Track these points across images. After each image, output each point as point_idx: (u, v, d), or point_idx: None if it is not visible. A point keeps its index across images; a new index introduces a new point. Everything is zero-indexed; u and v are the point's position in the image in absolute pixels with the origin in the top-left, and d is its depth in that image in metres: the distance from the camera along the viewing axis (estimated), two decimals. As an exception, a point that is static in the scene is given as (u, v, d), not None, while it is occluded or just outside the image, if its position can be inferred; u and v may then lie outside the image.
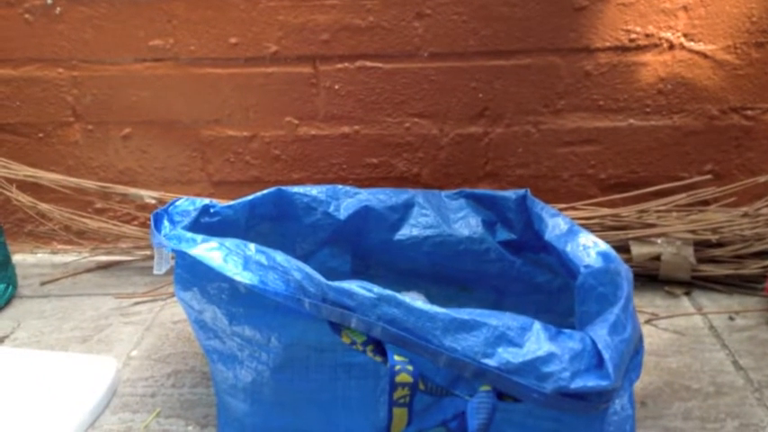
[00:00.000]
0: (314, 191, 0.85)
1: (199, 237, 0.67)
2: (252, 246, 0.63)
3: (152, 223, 0.73)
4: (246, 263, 0.62)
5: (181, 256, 0.70)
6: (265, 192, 0.83)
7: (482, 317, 0.54)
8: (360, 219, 0.85)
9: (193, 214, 0.77)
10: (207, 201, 0.80)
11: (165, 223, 0.74)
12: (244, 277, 0.60)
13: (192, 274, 0.68)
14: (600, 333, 0.54)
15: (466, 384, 0.56)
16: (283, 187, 0.84)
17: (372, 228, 0.86)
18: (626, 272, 0.65)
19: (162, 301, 0.99)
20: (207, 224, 0.79)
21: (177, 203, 0.77)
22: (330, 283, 0.58)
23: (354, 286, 0.57)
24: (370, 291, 0.56)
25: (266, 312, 0.62)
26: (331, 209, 0.85)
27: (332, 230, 0.85)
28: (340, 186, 0.86)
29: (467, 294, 0.88)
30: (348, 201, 0.85)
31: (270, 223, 0.85)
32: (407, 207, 0.86)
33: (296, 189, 0.85)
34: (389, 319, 0.55)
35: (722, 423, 0.73)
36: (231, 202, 0.81)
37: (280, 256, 0.61)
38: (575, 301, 0.68)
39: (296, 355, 0.63)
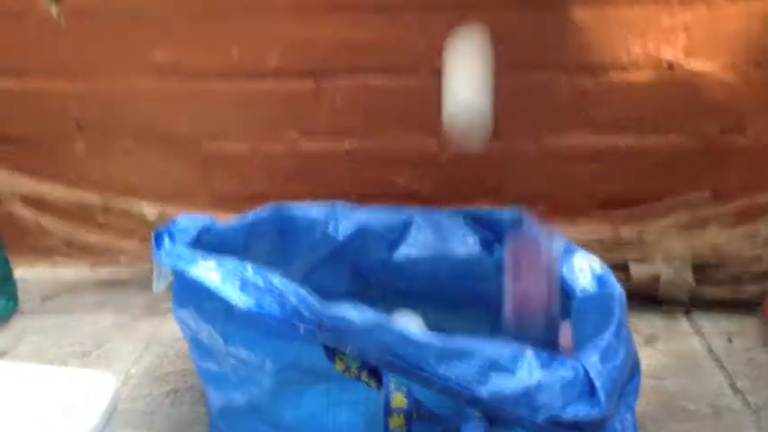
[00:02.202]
0: (313, 210, 0.86)
1: (198, 255, 0.67)
2: (249, 267, 0.64)
3: (153, 240, 0.73)
4: (244, 284, 0.62)
5: (179, 275, 0.70)
6: (265, 210, 0.84)
7: (475, 345, 0.55)
8: (358, 239, 0.85)
9: (194, 232, 0.77)
10: (207, 219, 0.80)
11: (166, 240, 0.74)
12: (240, 299, 0.61)
13: (190, 293, 0.68)
14: (592, 360, 0.55)
15: (459, 411, 0.57)
16: (283, 205, 0.85)
17: (370, 248, 0.86)
18: (619, 296, 0.65)
19: (162, 318, 0.99)
20: (207, 242, 0.79)
21: (178, 221, 0.78)
22: (325, 307, 0.58)
23: (350, 312, 0.57)
24: (365, 317, 0.57)
25: (261, 335, 0.63)
26: (329, 229, 0.85)
27: (330, 250, 0.86)
28: (339, 205, 0.87)
29: (465, 313, 0.88)
30: (346, 220, 0.86)
31: (269, 242, 0.85)
32: (405, 227, 0.86)
33: (295, 207, 0.85)
34: (384, 345, 0.56)
35: (719, 446, 0.73)
36: (231, 220, 0.82)
37: (276, 279, 0.62)
38: (571, 321, 0.68)
39: (290, 379, 0.63)
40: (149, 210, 1.04)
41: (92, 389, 0.79)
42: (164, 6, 1.01)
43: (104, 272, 1.11)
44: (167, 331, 0.95)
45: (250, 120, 1.07)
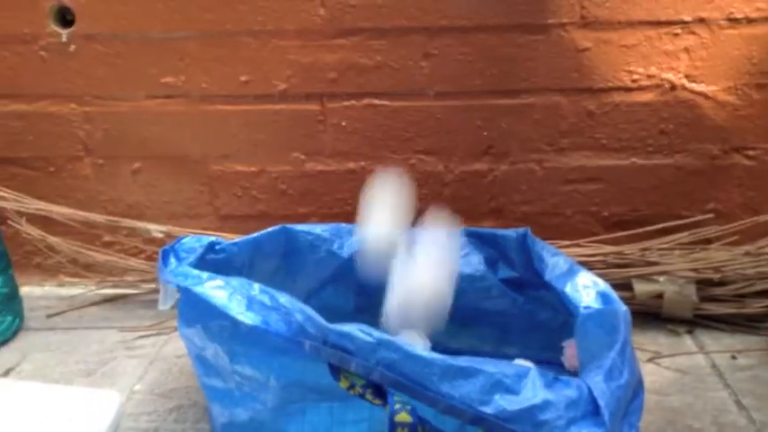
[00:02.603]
0: (318, 229, 0.86)
1: (204, 274, 0.68)
2: (256, 286, 0.65)
3: (159, 259, 0.74)
4: (250, 303, 0.63)
5: (185, 293, 0.71)
6: (270, 230, 0.85)
7: (479, 364, 0.55)
8: None
9: (199, 251, 0.78)
10: (213, 238, 0.81)
11: (172, 260, 0.75)
12: (247, 317, 0.61)
13: (196, 311, 0.69)
14: (596, 379, 0.55)
15: (464, 430, 0.57)
16: (288, 225, 0.86)
17: None
18: (624, 314, 0.65)
19: (166, 335, 0.99)
20: (212, 261, 0.80)
21: (184, 241, 0.79)
22: (331, 326, 0.59)
23: (355, 330, 0.58)
24: (369, 335, 0.57)
25: (266, 352, 0.63)
26: (335, 247, 0.86)
27: (335, 268, 0.86)
28: (344, 225, 0.88)
29: (469, 331, 0.89)
30: (351, 239, 0.86)
31: (274, 261, 0.86)
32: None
33: (300, 227, 0.86)
34: (388, 363, 0.56)
35: (723, 465, 0.73)
36: (236, 240, 0.83)
37: (283, 297, 0.62)
38: (575, 339, 0.68)
39: (294, 396, 0.64)
40: (156, 229, 1.05)
41: (96, 407, 0.79)
42: (173, 29, 1.03)
43: (110, 290, 1.11)
44: (172, 348, 0.96)
45: (257, 141, 1.08)
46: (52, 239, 1.06)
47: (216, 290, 0.65)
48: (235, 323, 0.63)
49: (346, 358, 0.58)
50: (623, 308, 0.66)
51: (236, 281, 0.66)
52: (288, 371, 0.63)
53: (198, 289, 0.66)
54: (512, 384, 0.54)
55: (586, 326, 0.65)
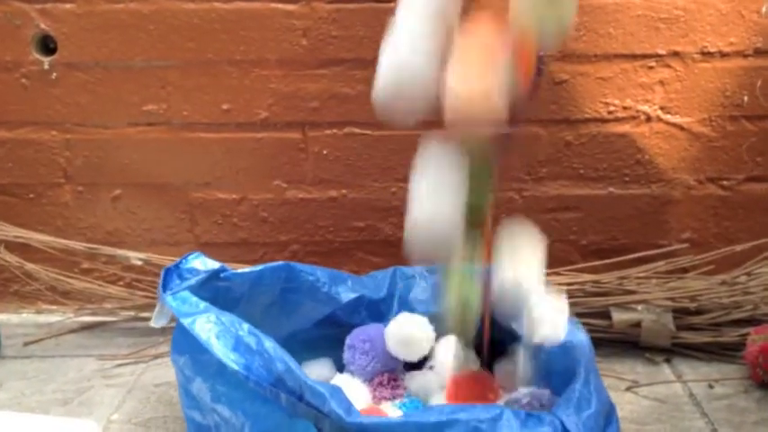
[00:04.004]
0: (319, 272, 0.87)
1: (202, 304, 0.69)
2: (245, 326, 0.65)
3: (162, 277, 0.75)
4: (237, 343, 0.64)
5: (179, 323, 0.71)
6: (273, 264, 0.85)
7: (452, 414, 0.56)
8: (357, 305, 0.87)
9: (203, 276, 0.78)
10: (217, 264, 0.81)
11: (175, 280, 0.76)
12: (231, 359, 0.62)
13: (187, 341, 0.69)
14: (567, 412, 0.56)
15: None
16: (291, 263, 0.86)
17: (366, 316, 0.87)
18: (582, 344, 0.67)
19: (144, 364, 0.98)
20: (214, 288, 0.80)
21: (190, 259, 0.79)
22: (309, 381, 0.58)
23: (332, 390, 0.58)
24: (343, 400, 0.57)
25: (246, 397, 0.63)
26: (333, 291, 0.86)
27: (331, 311, 0.86)
28: (344, 273, 0.89)
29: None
30: (347, 287, 0.87)
31: (272, 295, 0.86)
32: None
33: (302, 267, 0.86)
34: (363, 428, 0.56)
35: (701, 494, 0.73)
36: (240, 270, 0.83)
37: (268, 342, 0.63)
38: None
39: None
40: (135, 256, 1.05)
41: (73, 437, 0.79)
42: (155, 58, 1.04)
43: (88, 317, 1.10)
44: (150, 377, 0.95)
45: (238, 169, 1.09)
46: (30, 266, 1.05)
47: (206, 324, 0.66)
48: (220, 362, 0.63)
49: (320, 418, 0.57)
50: (584, 337, 0.68)
51: (227, 317, 0.66)
52: (263, 421, 0.62)
53: (187, 322, 0.66)
54: (488, 429, 0.55)
55: (549, 359, 0.67)
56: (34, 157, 1.09)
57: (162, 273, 0.76)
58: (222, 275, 0.81)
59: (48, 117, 1.07)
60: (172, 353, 0.73)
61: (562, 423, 0.55)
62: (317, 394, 0.58)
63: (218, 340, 0.64)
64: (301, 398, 0.59)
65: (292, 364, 0.60)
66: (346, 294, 0.87)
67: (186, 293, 0.71)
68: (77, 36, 1.03)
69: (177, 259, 0.81)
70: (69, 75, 1.05)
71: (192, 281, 0.76)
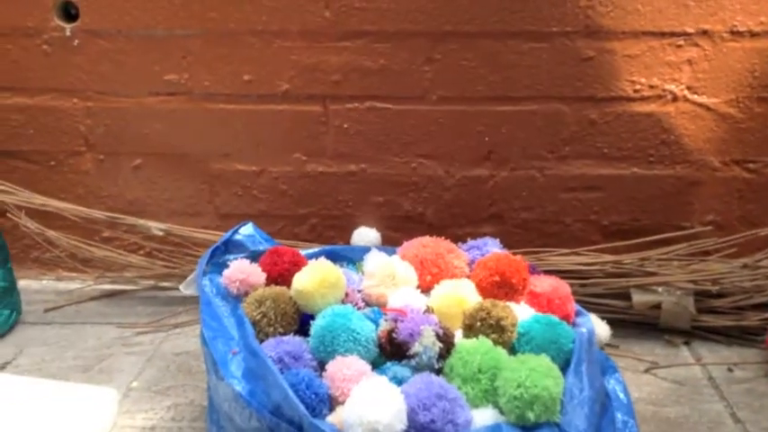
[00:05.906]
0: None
1: (219, 304, 0.72)
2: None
3: (210, 250, 0.78)
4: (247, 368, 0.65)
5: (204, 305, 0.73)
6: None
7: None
8: None
9: (250, 248, 0.83)
10: (267, 238, 0.84)
11: (219, 254, 0.80)
12: (234, 379, 0.63)
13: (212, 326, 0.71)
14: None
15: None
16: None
17: None
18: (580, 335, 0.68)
19: (164, 333, 0.99)
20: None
21: (242, 230, 0.83)
22: (309, 417, 0.57)
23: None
24: None
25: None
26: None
27: None
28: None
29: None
30: None
31: None
32: None
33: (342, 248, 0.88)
34: None
35: (719, 477, 0.73)
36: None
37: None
38: None
39: None
40: (156, 227, 1.05)
41: (92, 405, 0.79)
42: (176, 27, 1.03)
43: (108, 285, 1.11)
44: (170, 345, 0.96)
45: (259, 141, 1.08)
46: (51, 233, 1.06)
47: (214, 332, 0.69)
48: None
49: None
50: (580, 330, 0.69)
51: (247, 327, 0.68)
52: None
53: (204, 327, 0.69)
54: None
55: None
56: (55, 125, 1.09)
57: (209, 250, 0.78)
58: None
59: (69, 84, 1.07)
60: (201, 334, 0.73)
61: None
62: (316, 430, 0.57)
63: (229, 360, 0.66)
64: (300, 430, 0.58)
65: (294, 400, 0.59)
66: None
67: (219, 284, 0.75)
68: (99, 3, 1.03)
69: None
70: (91, 42, 1.05)
71: (241, 252, 0.80)
